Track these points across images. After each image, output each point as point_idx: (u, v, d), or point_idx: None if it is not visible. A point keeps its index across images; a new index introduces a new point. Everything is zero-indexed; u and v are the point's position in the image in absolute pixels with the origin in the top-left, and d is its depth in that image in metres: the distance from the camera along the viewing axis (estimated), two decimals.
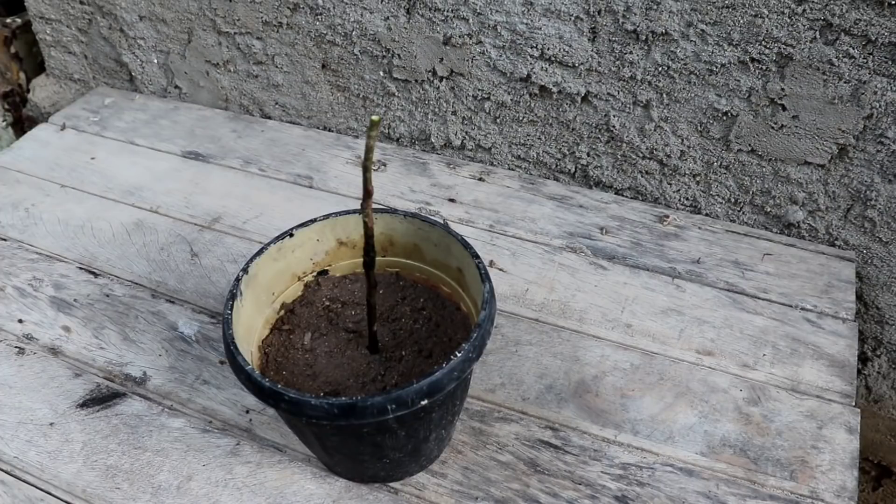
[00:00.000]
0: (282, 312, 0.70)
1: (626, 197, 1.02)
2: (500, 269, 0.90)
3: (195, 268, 0.92)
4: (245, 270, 0.65)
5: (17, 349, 0.82)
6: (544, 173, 1.05)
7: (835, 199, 0.91)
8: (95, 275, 0.91)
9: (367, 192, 0.57)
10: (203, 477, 0.69)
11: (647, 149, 0.96)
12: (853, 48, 0.79)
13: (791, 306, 0.85)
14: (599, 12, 0.88)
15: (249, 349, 0.64)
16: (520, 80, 0.98)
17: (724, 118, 0.90)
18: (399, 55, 1.02)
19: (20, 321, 0.85)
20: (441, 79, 1.02)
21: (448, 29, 0.97)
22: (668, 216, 0.98)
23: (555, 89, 0.96)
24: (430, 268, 0.71)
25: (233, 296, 0.63)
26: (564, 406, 0.75)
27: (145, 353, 0.81)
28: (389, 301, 0.70)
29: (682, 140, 0.94)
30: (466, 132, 1.06)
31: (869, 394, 1.03)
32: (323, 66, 1.09)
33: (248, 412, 0.75)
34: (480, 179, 1.05)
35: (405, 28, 0.99)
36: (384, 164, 1.07)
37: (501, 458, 0.70)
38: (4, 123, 1.35)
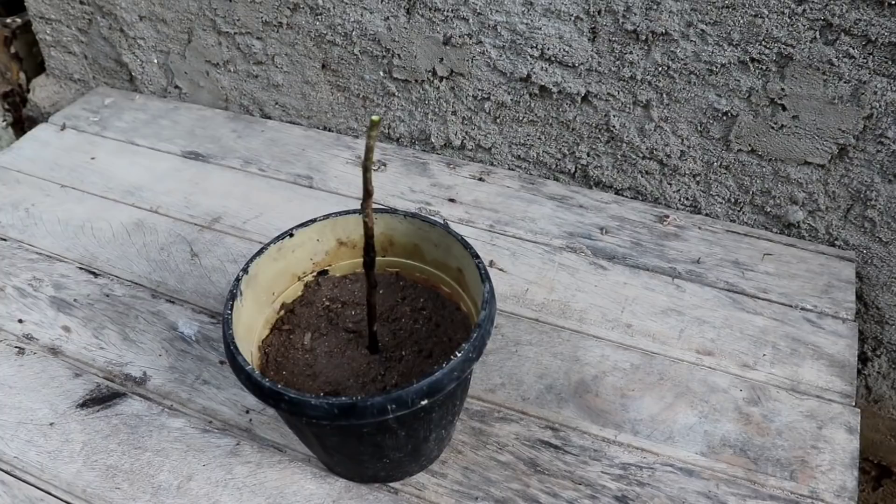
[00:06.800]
0: (282, 312, 0.70)
1: (626, 197, 1.02)
2: (500, 269, 0.90)
3: (195, 268, 0.92)
4: (245, 270, 0.65)
5: (17, 349, 0.82)
6: (544, 173, 1.05)
7: (835, 199, 0.91)
8: (95, 275, 0.91)
9: (367, 192, 0.57)
10: (203, 477, 0.69)
11: (647, 149, 0.96)
12: (853, 48, 0.79)
13: (791, 306, 0.85)
14: (599, 12, 0.88)
15: (249, 349, 0.64)
16: (520, 80, 0.98)
17: (724, 118, 0.90)
18: (399, 55, 1.02)
19: (20, 321, 0.85)
20: (441, 79, 1.02)
21: (448, 29, 0.97)
22: (668, 216, 0.98)
23: (555, 89, 0.96)
24: (430, 268, 0.71)
25: (233, 296, 0.63)
26: (564, 406, 0.75)
27: (145, 353, 0.81)
28: (389, 301, 0.70)
29: (682, 140, 0.94)
30: (466, 132, 1.06)
31: (869, 394, 1.03)
32: (323, 66, 1.09)
33: (248, 412, 0.75)
34: (480, 179, 1.05)
35: (405, 28, 0.99)
36: (384, 164, 1.07)
37: (501, 458, 0.70)
38: (4, 123, 1.35)
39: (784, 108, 0.86)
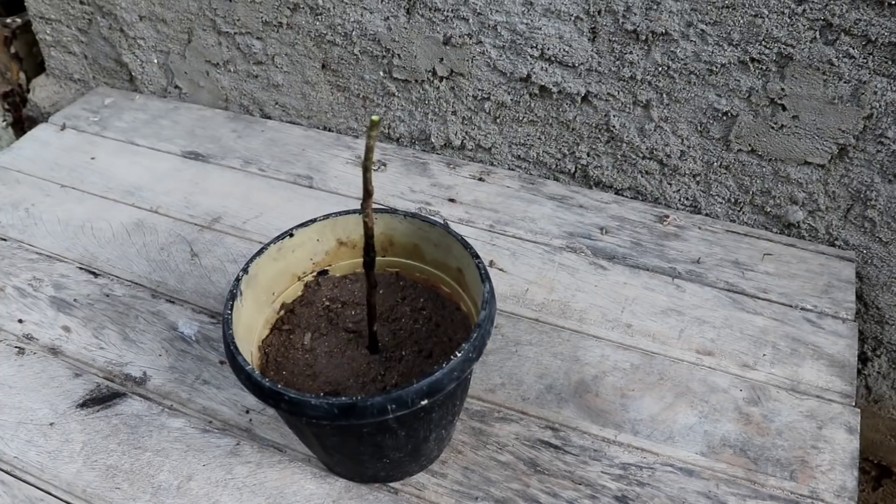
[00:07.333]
0: (282, 312, 0.70)
1: (626, 197, 1.02)
2: (500, 269, 0.90)
3: (195, 268, 0.92)
4: (245, 270, 0.65)
5: (17, 349, 0.82)
6: (544, 173, 1.05)
7: (835, 199, 0.91)
8: (95, 275, 0.91)
9: (367, 192, 0.57)
10: (203, 477, 0.69)
11: (647, 149, 0.96)
12: (853, 48, 0.79)
13: (791, 306, 0.85)
14: (599, 12, 0.88)
15: (249, 349, 0.64)
16: (520, 80, 0.98)
17: (724, 118, 0.90)
18: (399, 55, 1.02)
19: (20, 321, 0.85)
20: (441, 79, 1.02)
21: (448, 29, 0.97)
22: (668, 216, 0.98)
23: (555, 89, 0.96)
24: (430, 268, 0.71)
25: (233, 296, 0.63)
26: (564, 406, 0.75)
27: (145, 353, 0.81)
28: (389, 301, 0.70)
29: (682, 140, 0.94)
30: (466, 132, 1.06)
31: (869, 394, 1.03)
32: (323, 66, 1.09)
33: (248, 412, 0.75)
34: (480, 179, 1.05)
35: (405, 28, 0.99)
36: (384, 164, 1.07)
37: (501, 458, 0.70)
38: (4, 123, 1.35)
39: (784, 108, 0.86)
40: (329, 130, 1.16)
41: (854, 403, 0.75)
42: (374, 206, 0.62)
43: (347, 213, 0.71)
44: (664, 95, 0.91)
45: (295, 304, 0.70)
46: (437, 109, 1.06)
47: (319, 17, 1.04)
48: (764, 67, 0.84)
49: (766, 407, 0.75)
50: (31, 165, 1.10)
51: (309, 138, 1.14)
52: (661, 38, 0.87)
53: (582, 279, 0.89)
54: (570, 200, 1.00)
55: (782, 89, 0.85)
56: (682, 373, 0.78)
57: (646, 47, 0.88)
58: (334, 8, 1.02)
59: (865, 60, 0.80)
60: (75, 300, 0.88)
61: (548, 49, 0.93)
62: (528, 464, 0.70)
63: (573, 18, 0.90)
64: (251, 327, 0.66)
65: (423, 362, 0.65)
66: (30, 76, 1.35)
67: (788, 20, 0.80)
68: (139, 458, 0.71)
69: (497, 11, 0.92)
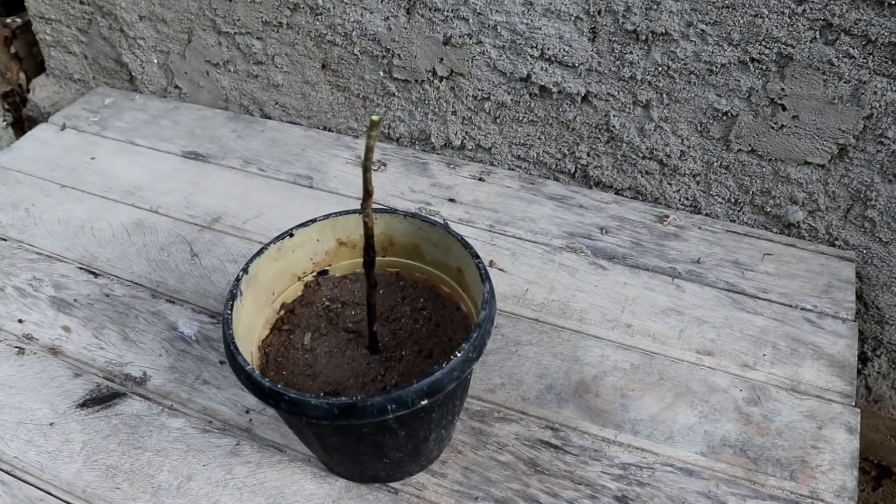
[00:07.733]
0: (282, 312, 0.70)
1: (626, 197, 1.02)
2: (500, 269, 0.90)
3: (195, 268, 0.92)
4: (245, 270, 0.65)
5: (17, 349, 0.82)
6: (544, 173, 1.05)
7: (835, 199, 0.91)
8: (95, 275, 0.91)
9: (367, 192, 0.57)
10: (203, 477, 0.69)
11: (647, 149, 0.96)
12: (853, 48, 0.79)
13: (791, 306, 0.85)
14: (599, 12, 0.88)
15: (249, 349, 0.64)
16: (520, 80, 0.98)
17: (724, 118, 0.90)
18: (399, 55, 1.02)
19: (20, 321, 0.85)
20: (441, 79, 1.02)
21: (448, 29, 0.97)
22: (668, 216, 0.98)
23: (555, 89, 0.96)
24: (430, 268, 0.71)
25: (233, 296, 0.63)
26: (564, 406, 0.75)
27: (145, 353, 0.81)
28: (389, 301, 0.70)
29: (682, 140, 0.94)
30: (466, 132, 1.06)
31: (869, 394, 1.03)
32: (323, 66, 1.09)
33: (248, 412, 0.75)
34: (480, 179, 1.05)
35: (405, 28, 0.99)
36: (384, 164, 1.07)
37: (501, 458, 0.70)
38: (4, 123, 1.35)
39: (784, 108, 0.86)
40: (329, 130, 1.16)
41: (854, 403, 0.75)
42: (374, 206, 0.62)
43: (347, 213, 0.71)
44: (664, 95, 0.91)
45: (295, 304, 0.70)
46: (437, 109, 1.06)
47: (319, 17, 1.04)
48: (764, 67, 0.84)
49: (766, 407, 0.75)
50: (31, 165, 1.10)
51: (309, 138, 1.14)
52: (661, 38, 0.87)
53: (582, 279, 0.89)
54: (570, 200, 1.01)
55: (782, 89, 0.85)
56: (682, 373, 0.78)
57: (646, 47, 0.88)
58: (334, 8, 1.02)
59: (865, 60, 0.80)
60: (75, 300, 0.88)
61: (548, 49, 0.93)
62: (528, 464, 0.70)
63: (573, 18, 0.90)
64: (251, 327, 0.66)
65: (423, 362, 0.65)
66: (30, 76, 1.35)
67: (788, 20, 0.80)
68: (139, 458, 0.71)
69: (497, 11, 0.93)
